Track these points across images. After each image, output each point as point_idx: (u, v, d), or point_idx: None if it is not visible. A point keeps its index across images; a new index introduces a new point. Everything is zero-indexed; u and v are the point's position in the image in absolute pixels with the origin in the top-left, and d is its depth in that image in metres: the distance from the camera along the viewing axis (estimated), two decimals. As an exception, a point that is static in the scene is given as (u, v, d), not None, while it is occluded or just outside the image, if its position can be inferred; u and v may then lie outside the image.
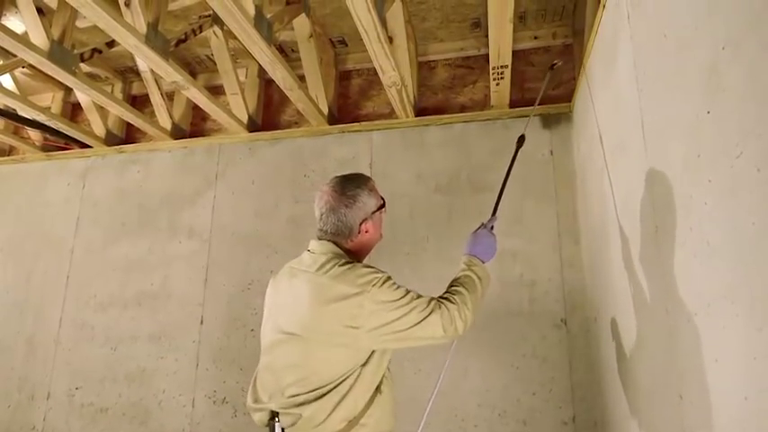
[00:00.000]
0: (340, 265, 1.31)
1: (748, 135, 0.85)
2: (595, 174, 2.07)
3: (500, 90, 2.56)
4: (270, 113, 3.23)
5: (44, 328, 3.07)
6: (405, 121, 2.84)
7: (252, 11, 2.05)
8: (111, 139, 3.32)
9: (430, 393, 1.56)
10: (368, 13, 1.88)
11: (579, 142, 2.43)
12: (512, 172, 1.86)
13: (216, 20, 2.59)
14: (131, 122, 2.97)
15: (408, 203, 2.72)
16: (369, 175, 2.80)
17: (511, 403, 2.36)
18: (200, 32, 2.59)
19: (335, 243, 1.39)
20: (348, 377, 1.26)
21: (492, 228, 1.64)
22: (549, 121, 2.66)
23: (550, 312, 2.42)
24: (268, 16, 2.20)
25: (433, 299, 1.34)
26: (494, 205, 1.77)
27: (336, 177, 1.44)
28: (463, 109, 2.88)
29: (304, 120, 3.00)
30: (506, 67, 2.37)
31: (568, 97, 2.64)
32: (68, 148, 3.39)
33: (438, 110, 2.90)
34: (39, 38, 2.25)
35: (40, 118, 2.85)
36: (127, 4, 2.13)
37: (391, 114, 2.92)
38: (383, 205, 1.46)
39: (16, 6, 2.36)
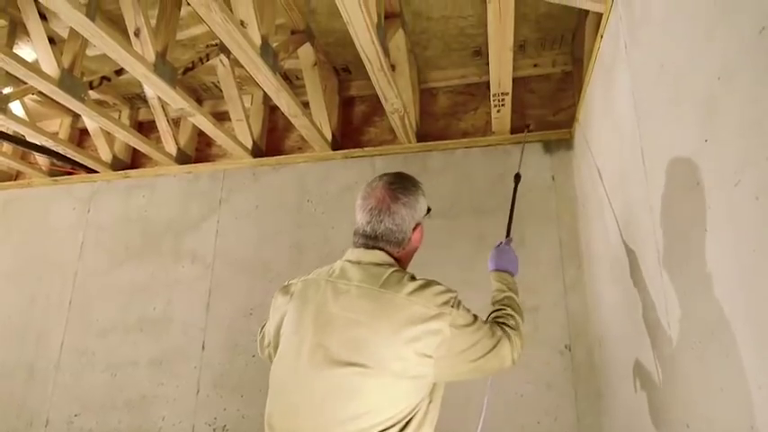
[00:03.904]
0: (410, 280, 1.12)
1: (746, 164, 0.87)
2: (596, 199, 2.08)
3: (501, 117, 2.59)
4: (274, 139, 3.27)
5: (45, 354, 3.06)
6: (407, 147, 2.87)
7: (258, 41, 2.10)
8: (117, 165, 3.36)
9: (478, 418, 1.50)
10: (371, 43, 1.93)
11: (580, 168, 2.45)
12: (515, 208, 1.89)
13: (223, 49, 2.65)
14: (137, 148, 3.01)
15: (411, 228, 2.72)
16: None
17: (515, 432, 2.32)
18: (207, 61, 2.65)
19: (387, 252, 1.19)
20: (416, 414, 1.07)
21: (509, 244, 1.61)
22: (550, 147, 2.69)
23: (554, 338, 2.40)
24: (273, 45, 2.25)
25: (493, 324, 1.21)
26: (507, 230, 1.79)
27: (388, 175, 1.25)
28: (465, 135, 2.92)
29: (308, 145, 3.03)
30: (507, 94, 2.41)
31: (569, 123, 2.67)
32: (75, 173, 3.43)
33: (440, 136, 2.94)
34: (49, 66, 2.30)
35: (48, 144, 2.89)
36: (136, 34, 2.18)
37: (394, 140, 2.96)
38: (429, 209, 1.30)
39: (28, 35, 2.42)
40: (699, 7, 1.03)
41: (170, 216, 3.15)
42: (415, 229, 1.22)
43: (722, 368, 0.99)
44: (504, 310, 1.31)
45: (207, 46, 2.74)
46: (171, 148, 3.16)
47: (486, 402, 1.50)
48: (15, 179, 3.69)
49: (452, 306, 1.10)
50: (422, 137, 2.92)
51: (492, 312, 1.33)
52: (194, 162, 3.30)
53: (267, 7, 2.22)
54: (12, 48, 2.59)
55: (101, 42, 1.98)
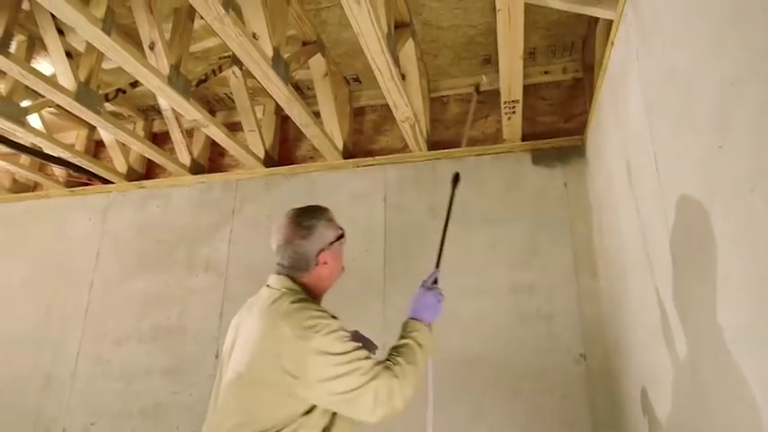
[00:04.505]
0: (291, 302, 1.23)
1: (760, 170, 0.86)
2: (611, 207, 2.07)
3: (512, 124, 2.59)
4: (286, 149, 3.30)
5: (61, 363, 3.09)
6: (418, 155, 2.87)
7: (270, 52, 2.13)
8: (132, 175, 3.41)
9: None
10: (381, 53, 1.95)
11: (593, 175, 2.44)
12: (450, 216, 1.76)
13: (235, 61, 2.69)
14: (152, 159, 3.06)
15: (421, 235, 2.72)
16: (382, 207, 2.85)
17: (530, 442, 2.29)
18: (220, 72, 2.69)
19: (292, 278, 1.33)
20: (289, 426, 1.14)
21: (435, 281, 1.52)
22: (562, 155, 2.67)
23: (569, 347, 2.37)
24: (285, 57, 2.28)
25: (378, 364, 1.21)
26: (437, 257, 1.64)
27: (293, 210, 1.39)
28: (475, 143, 2.91)
29: (319, 155, 3.05)
30: (517, 101, 2.40)
31: (581, 130, 2.66)
32: (91, 184, 3.48)
33: (450, 144, 2.94)
34: (67, 80, 2.35)
35: (65, 155, 2.95)
36: (151, 48, 2.23)
37: (404, 149, 2.96)
38: (342, 236, 1.41)
39: (46, 50, 2.48)
40: (711, 14, 1.03)
41: (184, 226, 3.19)
42: (319, 254, 1.33)
43: (741, 377, 0.97)
44: (393, 355, 1.28)
45: (219, 58, 2.78)
46: (185, 158, 3.20)
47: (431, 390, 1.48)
48: (33, 190, 3.76)
49: (318, 332, 1.15)
50: (432, 145, 2.92)
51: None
52: (208, 172, 3.33)
53: (279, 19, 2.25)
54: (30, 62, 2.65)
55: (116, 56, 2.02)
